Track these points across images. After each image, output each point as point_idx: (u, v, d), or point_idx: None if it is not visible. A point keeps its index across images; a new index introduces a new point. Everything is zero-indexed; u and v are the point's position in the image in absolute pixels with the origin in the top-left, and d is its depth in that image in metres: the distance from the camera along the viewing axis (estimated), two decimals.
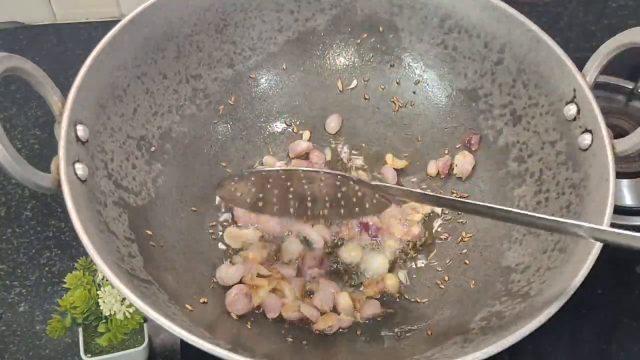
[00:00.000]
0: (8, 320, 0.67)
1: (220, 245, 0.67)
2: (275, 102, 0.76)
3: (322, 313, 0.62)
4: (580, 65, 0.61)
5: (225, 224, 0.69)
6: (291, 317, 0.61)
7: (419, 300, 0.64)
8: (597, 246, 0.52)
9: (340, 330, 0.61)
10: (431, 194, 0.60)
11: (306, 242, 0.67)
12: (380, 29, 0.74)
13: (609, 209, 0.54)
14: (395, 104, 0.76)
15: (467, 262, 0.65)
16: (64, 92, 0.56)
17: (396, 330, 0.61)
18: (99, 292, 0.58)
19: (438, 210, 0.71)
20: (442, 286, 0.65)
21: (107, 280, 0.54)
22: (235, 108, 0.74)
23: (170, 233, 0.63)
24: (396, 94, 0.76)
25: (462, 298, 0.62)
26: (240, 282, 0.63)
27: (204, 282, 0.62)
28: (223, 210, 0.70)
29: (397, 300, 0.64)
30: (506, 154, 0.68)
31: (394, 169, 0.73)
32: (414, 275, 0.66)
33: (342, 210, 0.61)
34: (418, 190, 0.58)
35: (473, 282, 0.63)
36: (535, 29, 0.64)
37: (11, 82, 0.83)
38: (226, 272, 0.63)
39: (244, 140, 0.74)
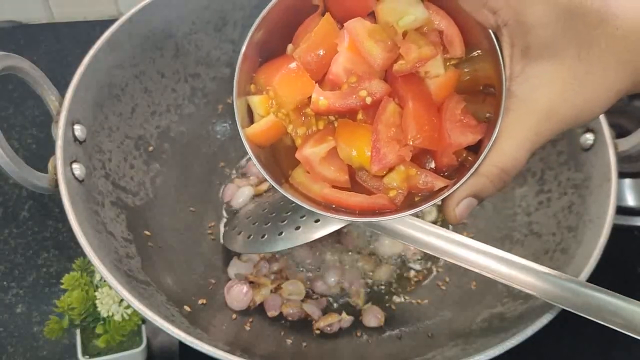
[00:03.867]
0: (5, 321, 0.66)
1: None
2: None
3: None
4: None
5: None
6: (292, 314, 0.61)
7: (419, 301, 0.64)
8: (599, 247, 0.51)
9: (341, 330, 0.61)
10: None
11: None
12: None
13: (611, 209, 0.53)
14: None
15: None
16: (62, 91, 0.55)
17: (397, 331, 0.61)
18: (96, 293, 0.57)
19: (434, 214, 0.70)
20: (443, 287, 0.64)
21: (104, 281, 0.54)
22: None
23: (168, 234, 0.63)
24: None
25: (463, 299, 0.62)
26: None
27: (203, 283, 0.62)
28: (222, 211, 0.69)
29: (398, 300, 0.64)
30: None
31: None
32: (414, 277, 0.66)
33: None
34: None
35: (474, 283, 0.62)
36: None
37: (9, 82, 0.83)
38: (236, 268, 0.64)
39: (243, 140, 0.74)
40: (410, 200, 0.40)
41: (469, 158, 0.40)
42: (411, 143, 0.38)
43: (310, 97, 0.40)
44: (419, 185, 0.40)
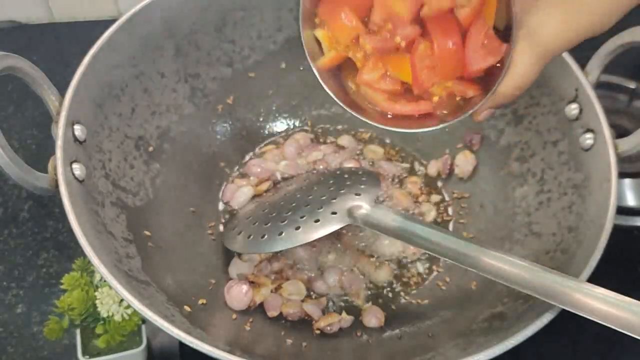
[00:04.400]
0: (5, 322, 0.66)
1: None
2: (274, 102, 0.76)
3: None
4: (583, 65, 0.61)
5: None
6: (292, 314, 0.61)
7: (420, 301, 0.64)
8: (600, 247, 0.51)
9: (341, 330, 0.61)
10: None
11: None
12: None
13: (612, 210, 0.53)
14: None
15: None
16: (62, 91, 0.55)
17: (397, 331, 0.61)
18: (96, 294, 0.57)
19: (434, 214, 0.70)
20: (443, 287, 0.64)
21: (105, 281, 0.54)
22: (234, 107, 0.74)
23: (168, 234, 0.63)
24: None
25: (464, 299, 0.62)
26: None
27: (203, 283, 0.62)
28: (222, 211, 0.69)
29: (398, 300, 0.64)
30: (508, 153, 0.68)
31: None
32: (414, 277, 0.66)
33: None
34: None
35: (474, 283, 0.62)
36: None
37: (8, 82, 0.83)
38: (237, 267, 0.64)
39: (243, 140, 0.74)
40: (451, 103, 0.49)
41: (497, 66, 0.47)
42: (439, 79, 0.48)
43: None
44: (455, 92, 0.49)
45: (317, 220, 0.57)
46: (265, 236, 0.59)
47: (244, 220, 0.64)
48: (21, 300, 0.68)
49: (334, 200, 0.59)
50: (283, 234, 0.57)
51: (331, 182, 0.63)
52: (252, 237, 0.60)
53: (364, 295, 0.64)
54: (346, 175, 0.64)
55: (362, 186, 0.61)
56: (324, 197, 0.60)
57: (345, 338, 0.60)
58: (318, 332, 0.61)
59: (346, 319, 0.61)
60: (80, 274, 0.59)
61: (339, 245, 0.67)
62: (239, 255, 0.65)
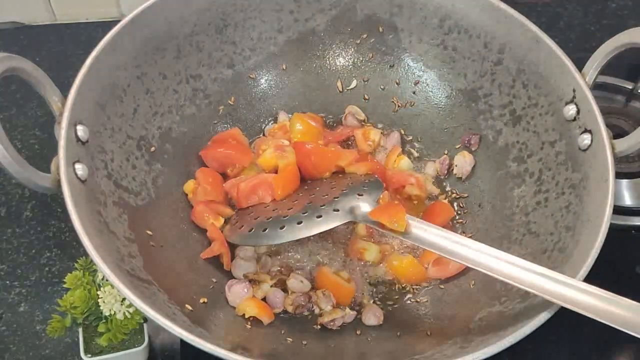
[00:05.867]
0: (8, 320, 0.67)
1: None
2: (275, 103, 0.76)
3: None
4: (580, 66, 0.61)
5: None
6: (298, 303, 0.61)
7: (418, 300, 0.64)
8: (597, 246, 0.52)
9: (341, 328, 0.61)
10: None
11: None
12: (380, 29, 0.74)
13: (609, 209, 0.54)
14: (394, 104, 0.76)
15: None
16: (64, 92, 0.56)
17: (396, 329, 0.61)
18: (99, 292, 0.58)
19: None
20: (442, 286, 0.65)
21: (107, 280, 0.54)
22: (235, 108, 0.74)
23: (170, 233, 0.63)
24: (396, 94, 0.76)
25: (462, 298, 0.62)
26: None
27: (204, 282, 0.62)
28: None
29: (397, 299, 0.65)
30: (506, 154, 0.68)
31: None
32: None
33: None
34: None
35: (472, 282, 0.63)
36: (535, 29, 0.64)
37: (11, 82, 0.83)
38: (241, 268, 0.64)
39: None
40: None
41: None
42: None
43: None
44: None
45: (319, 217, 0.58)
46: (267, 229, 0.59)
47: (245, 216, 0.64)
48: (24, 299, 0.68)
49: (336, 199, 0.60)
50: (285, 228, 0.58)
51: (333, 183, 0.64)
52: (253, 230, 0.60)
53: (367, 293, 0.64)
54: (349, 178, 0.65)
55: (365, 187, 0.61)
56: (326, 196, 0.61)
57: (345, 336, 0.61)
58: (319, 327, 0.61)
59: (350, 314, 0.61)
60: (83, 272, 0.59)
61: (334, 244, 0.67)
62: (240, 255, 0.65)
